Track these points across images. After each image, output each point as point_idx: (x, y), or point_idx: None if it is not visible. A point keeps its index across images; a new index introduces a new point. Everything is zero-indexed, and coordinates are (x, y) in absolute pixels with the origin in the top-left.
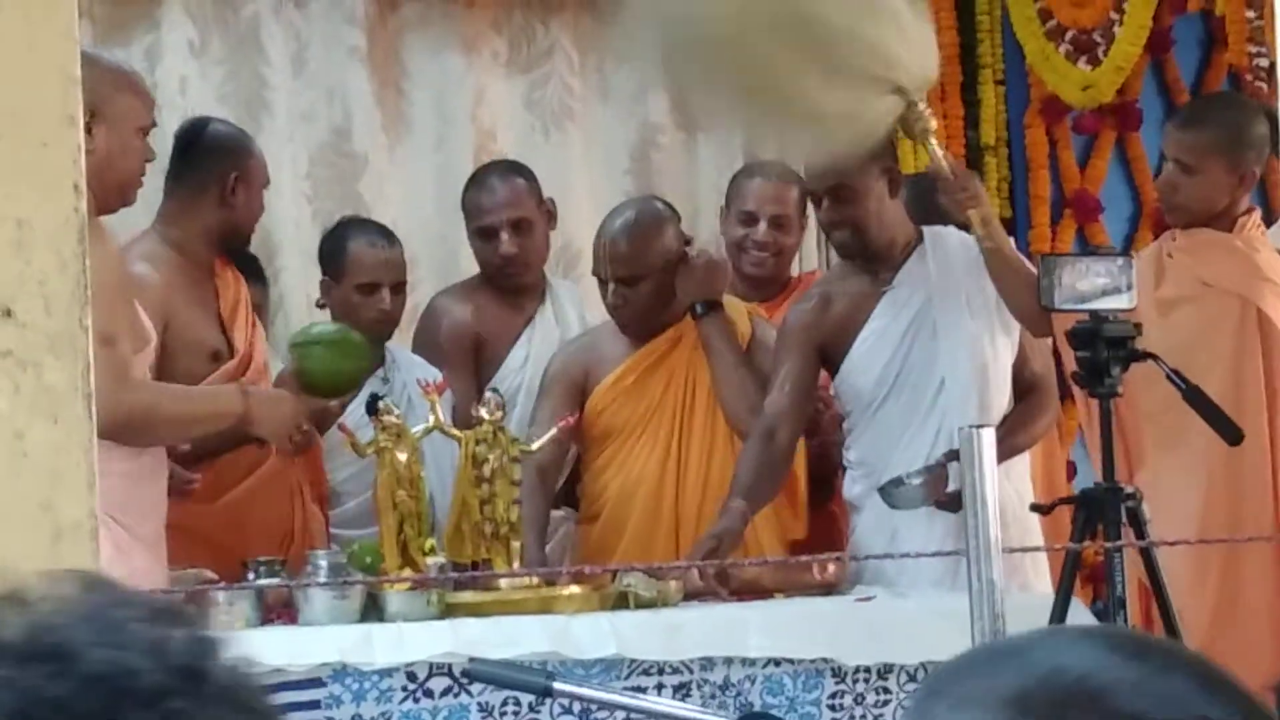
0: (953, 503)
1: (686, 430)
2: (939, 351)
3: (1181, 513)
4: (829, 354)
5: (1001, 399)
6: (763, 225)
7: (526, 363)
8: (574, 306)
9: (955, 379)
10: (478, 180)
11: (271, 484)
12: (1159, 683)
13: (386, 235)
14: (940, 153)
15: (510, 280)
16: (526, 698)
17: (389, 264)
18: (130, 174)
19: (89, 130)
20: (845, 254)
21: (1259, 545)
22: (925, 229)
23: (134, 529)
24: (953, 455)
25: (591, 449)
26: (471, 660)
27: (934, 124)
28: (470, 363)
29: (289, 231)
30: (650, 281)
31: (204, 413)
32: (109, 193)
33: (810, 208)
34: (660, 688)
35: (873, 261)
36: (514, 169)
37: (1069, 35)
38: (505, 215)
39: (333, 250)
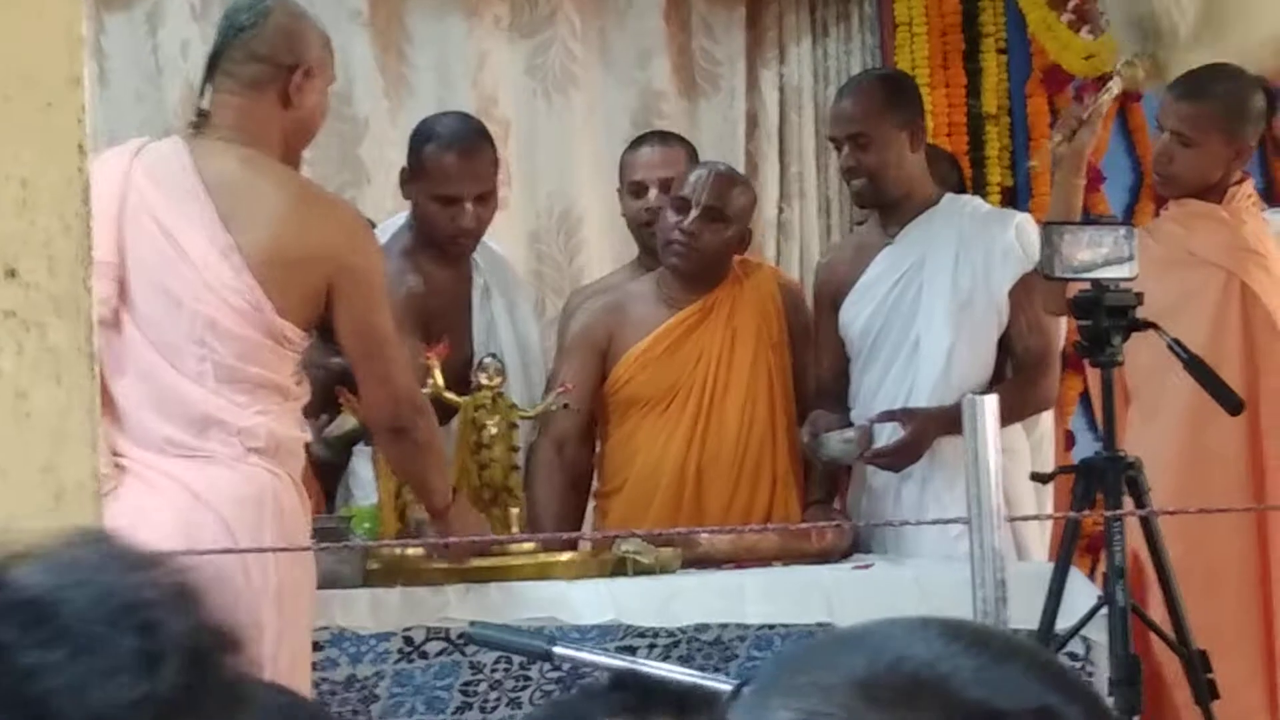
0: (880, 459)
1: (718, 410)
2: (918, 312)
3: (1152, 483)
4: (839, 303)
5: (976, 370)
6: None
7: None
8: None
9: (928, 341)
10: (448, 147)
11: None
12: (999, 671)
13: None
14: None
15: (459, 250)
16: (516, 657)
17: None
18: (315, 132)
19: (303, 84)
20: (861, 202)
21: (1229, 518)
22: (948, 194)
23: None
24: (885, 416)
25: (612, 419)
26: (472, 624)
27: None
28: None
29: None
30: (730, 229)
31: (440, 465)
32: (298, 150)
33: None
34: (652, 648)
35: (887, 214)
36: (486, 138)
37: (1071, 4)
38: (472, 189)
39: None
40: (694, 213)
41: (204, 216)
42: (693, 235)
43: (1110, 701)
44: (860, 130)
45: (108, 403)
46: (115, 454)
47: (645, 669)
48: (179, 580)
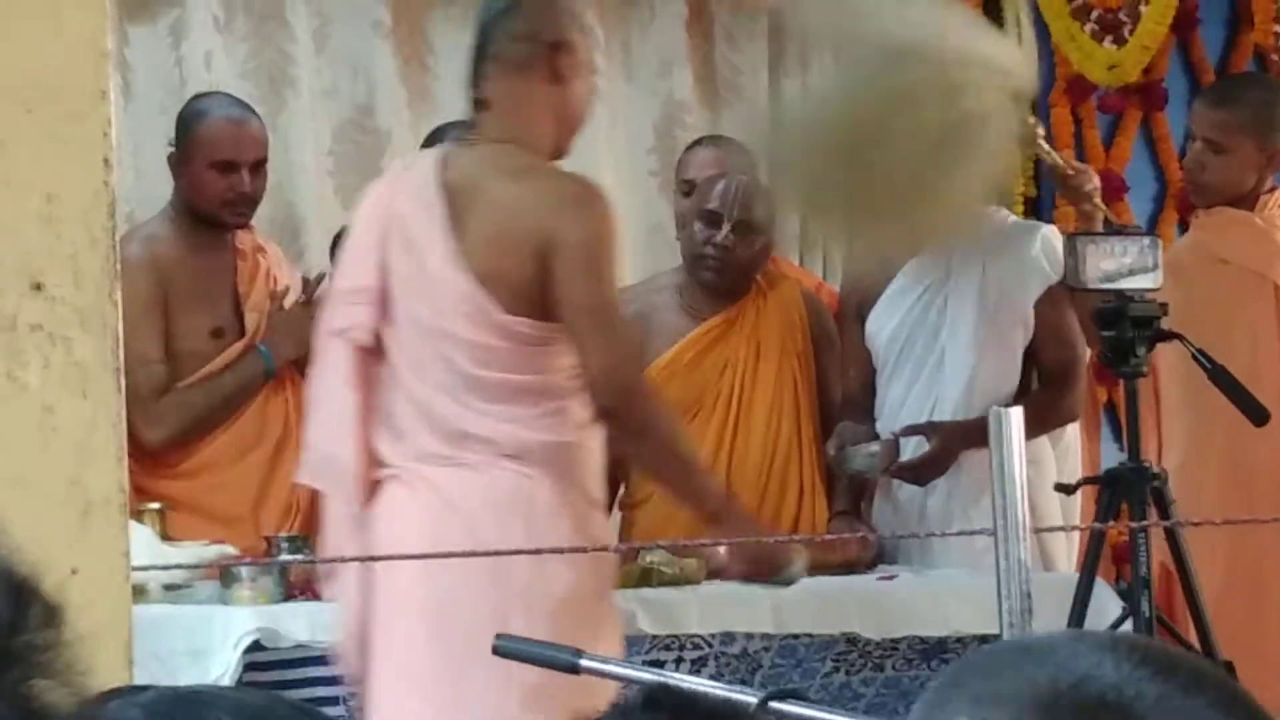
0: (906, 473)
1: (744, 420)
2: (943, 324)
3: (1195, 493)
4: (865, 315)
5: (1001, 382)
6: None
7: None
8: None
9: (953, 353)
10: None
11: (286, 452)
12: (1185, 701)
13: None
14: (1052, 152)
15: None
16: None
17: None
18: (584, 120)
19: (569, 59)
20: None
21: (1273, 527)
22: None
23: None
24: (910, 430)
25: None
26: (499, 636)
27: (1040, 129)
28: None
29: (312, 208)
30: (759, 240)
31: (678, 462)
32: (566, 137)
33: None
34: (679, 661)
35: None
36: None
37: (1094, 14)
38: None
39: None
40: (726, 227)
41: (438, 227)
42: (727, 250)
43: None
44: None
45: (384, 419)
46: (385, 464)
47: (675, 682)
48: None
